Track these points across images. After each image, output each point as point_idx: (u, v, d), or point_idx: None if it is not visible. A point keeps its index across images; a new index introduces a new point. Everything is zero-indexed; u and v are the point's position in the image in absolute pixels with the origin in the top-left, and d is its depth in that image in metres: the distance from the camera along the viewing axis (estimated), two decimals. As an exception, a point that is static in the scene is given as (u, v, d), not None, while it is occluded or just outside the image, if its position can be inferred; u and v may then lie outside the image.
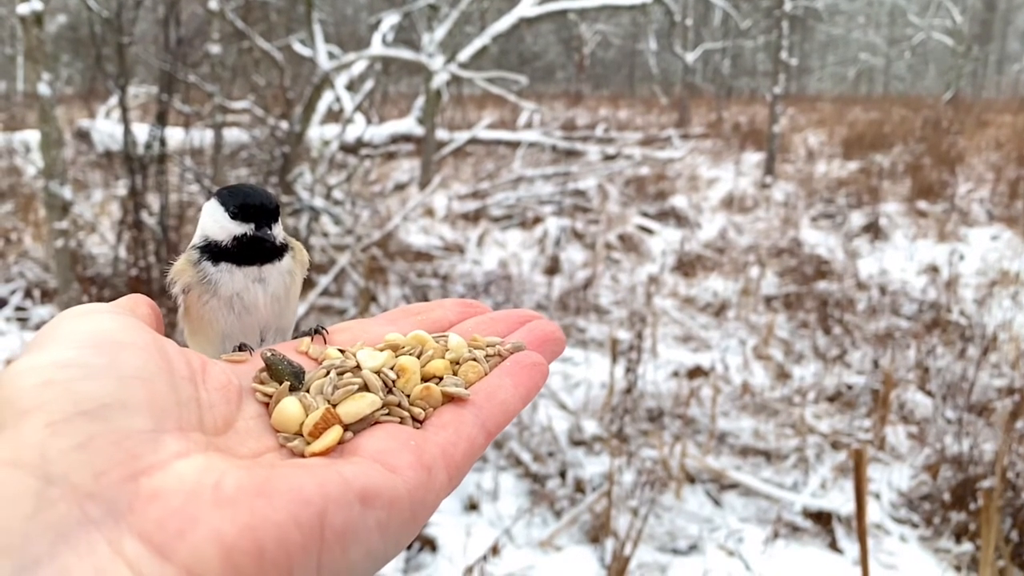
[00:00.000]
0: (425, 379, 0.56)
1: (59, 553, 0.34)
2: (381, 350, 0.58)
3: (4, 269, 5.99)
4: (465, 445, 0.50)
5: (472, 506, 3.36)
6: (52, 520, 0.35)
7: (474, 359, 0.58)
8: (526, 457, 3.69)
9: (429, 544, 3.07)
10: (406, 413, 0.52)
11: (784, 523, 3.36)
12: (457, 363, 0.58)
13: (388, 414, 0.52)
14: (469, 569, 2.81)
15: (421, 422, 0.52)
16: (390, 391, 0.53)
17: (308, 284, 5.84)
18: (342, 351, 0.58)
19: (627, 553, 2.79)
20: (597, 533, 3.20)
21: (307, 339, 0.60)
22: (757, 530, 3.33)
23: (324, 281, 5.39)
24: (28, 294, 5.61)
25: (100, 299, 5.01)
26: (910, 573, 3.05)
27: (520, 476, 3.63)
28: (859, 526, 1.69)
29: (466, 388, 0.55)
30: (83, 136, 10.96)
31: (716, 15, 28.21)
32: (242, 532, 0.38)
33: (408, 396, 0.54)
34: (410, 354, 0.58)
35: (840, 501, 3.47)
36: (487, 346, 0.60)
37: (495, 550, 3.03)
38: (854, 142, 14.59)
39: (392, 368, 0.55)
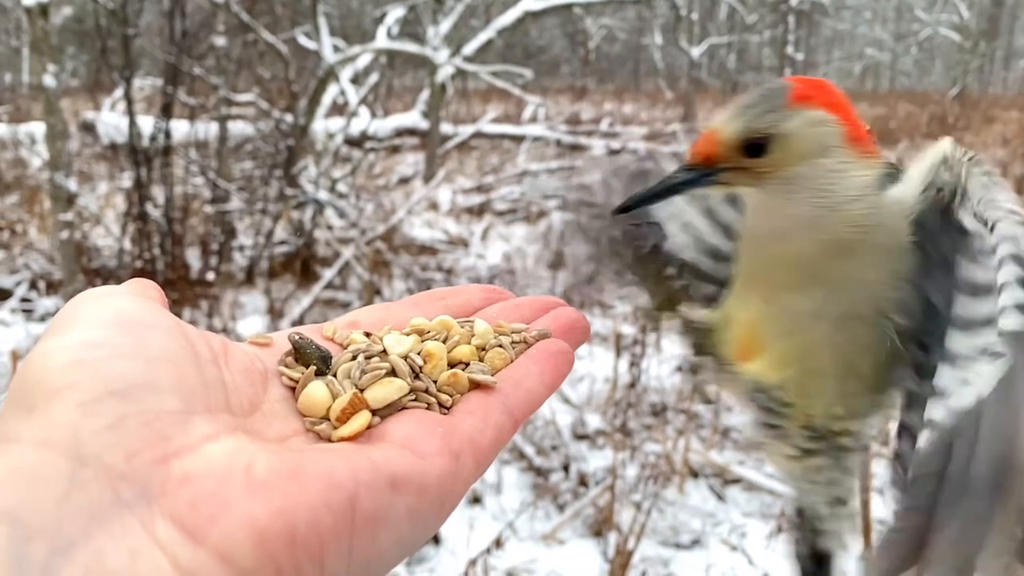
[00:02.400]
0: (451, 365, 0.55)
1: (93, 535, 0.34)
2: (407, 335, 0.57)
3: (9, 261, 6.00)
4: (492, 432, 0.49)
5: (475, 499, 3.36)
6: (85, 501, 0.34)
7: (500, 346, 0.57)
8: (529, 451, 3.70)
9: (432, 537, 3.08)
10: (433, 399, 0.51)
11: (788, 518, 3.35)
12: (483, 349, 0.57)
13: (415, 400, 0.51)
14: (472, 562, 2.82)
15: (448, 408, 0.51)
16: (417, 376, 0.52)
17: (312, 277, 5.84)
18: (368, 335, 0.57)
19: (630, 547, 2.79)
20: (600, 527, 3.20)
21: (332, 323, 0.59)
22: (760, 525, 3.33)
23: (328, 274, 5.39)
24: (33, 285, 5.62)
25: (105, 291, 5.01)
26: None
27: (523, 470, 3.63)
28: (863, 521, 1.69)
29: (492, 375, 0.54)
30: (88, 128, 10.96)
31: (722, 9, 28.14)
32: (274, 516, 0.37)
33: (435, 382, 0.53)
34: (436, 339, 0.57)
35: (843, 497, 3.46)
36: (512, 332, 0.59)
37: (498, 543, 3.04)
38: (860, 137, 14.51)
39: (419, 353, 0.54)
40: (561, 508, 3.36)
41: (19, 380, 0.39)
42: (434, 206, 8.74)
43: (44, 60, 4.14)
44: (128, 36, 5.01)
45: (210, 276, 5.22)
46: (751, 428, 0.73)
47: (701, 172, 0.61)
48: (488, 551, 2.96)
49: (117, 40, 5.21)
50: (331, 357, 0.53)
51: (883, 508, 2.80)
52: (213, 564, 0.36)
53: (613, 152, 12.04)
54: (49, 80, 4.16)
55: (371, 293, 5.00)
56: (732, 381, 0.70)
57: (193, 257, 5.69)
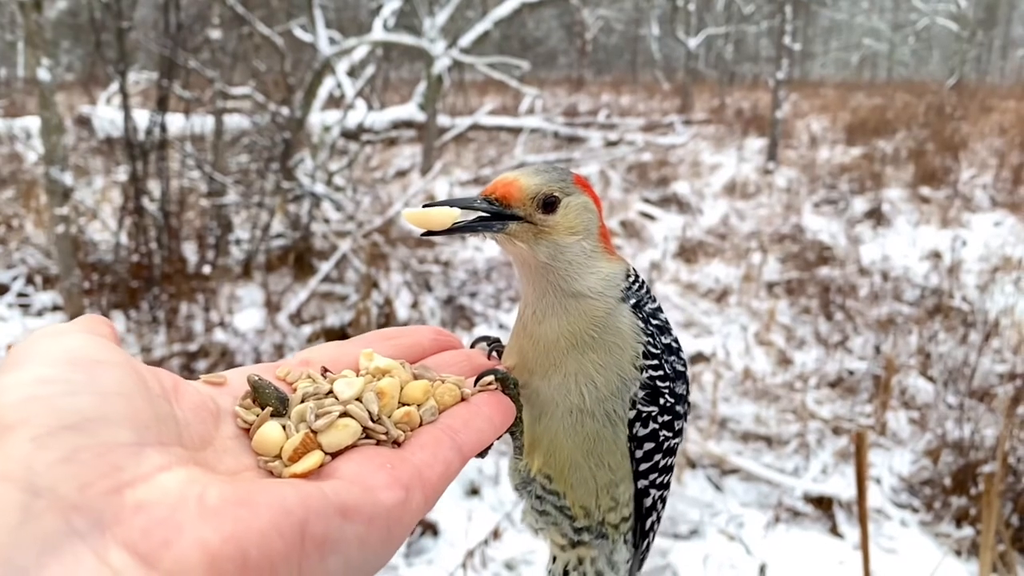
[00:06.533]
0: (404, 403, 0.57)
1: (45, 564, 0.35)
2: (360, 375, 0.59)
3: (6, 255, 5.99)
4: (441, 467, 0.52)
5: (473, 491, 3.37)
6: (38, 532, 0.35)
7: (452, 384, 0.61)
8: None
9: (431, 529, 3.08)
10: (384, 437, 0.53)
11: (785, 508, 3.37)
12: (433, 383, 0.60)
13: (366, 437, 0.53)
14: (470, 553, 2.83)
15: (399, 444, 0.54)
16: (375, 420, 0.54)
17: (309, 270, 5.83)
18: (325, 371, 0.59)
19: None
20: (598, 518, 3.20)
21: (285, 363, 0.61)
22: (758, 515, 3.34)
23: (325, 267, 5.38)
24: (30, 280, 5.62)
25: (102, 285, 5.01)
26: (910, 557, 3.07)
27: (522, 461, 3.64)
28: (860, 511, 1.69)
29: (442, 411, 0.58)
30: (84, 122, 10.92)
31: (719, 0, 28.05)
32: (226, 540, 0.39)
33: (389, 417, 0.55)
34: (390, 376, 0.59)
35: (841, 486, 3.47)
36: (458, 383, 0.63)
37: (496, 534, 3.04)
38: (857, 128, 14.53)
39: (374, 392, 0.56)
40: (559, 499, 3.37)
41: None
42: (431, 198, 8.72)
43: (38, 54, 4.12)
44: (122, 29, 4.99)
45: (207, 269, 5.21)
46: (528, 514, 0.76)
47: (497, 209, 0.68)
48: (486, 542, 2.97)
49: (112, 34, 5.19)
50: (288, 399, 0.55)
51: (880, 496, 2.79)
52: None
53: (610, 143, 12.03)
54: (43, 74, 4.15)
55: (368, 286, 4.99)
56: (514, 471, 0.75)
57: (190, 251, 5.68)
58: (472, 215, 0.68)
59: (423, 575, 2.87)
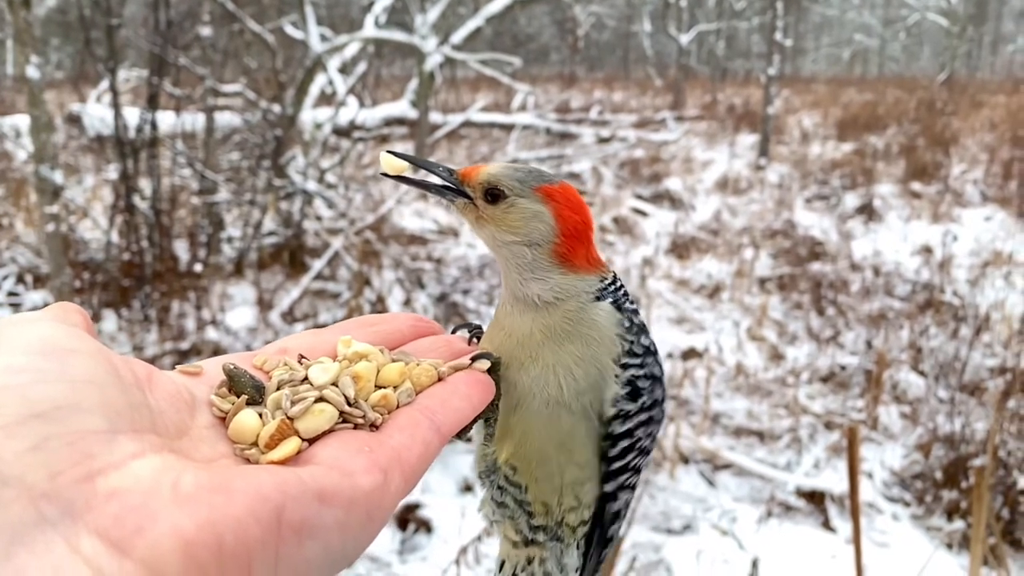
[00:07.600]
0: (381, 386, 0.57)
1: (14, 553, 0.34)
2: (338, 361, 0.59)
3: (-4, 254, 5.95)
4: (420, 448, 0.52)
5: (467, 488, 3.37)
6: (7, 521, 0.35)
7: (428, 365, 0.61)
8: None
9: (424, 525, 3.08)
10: (361, 420, 0.53)
11: (777, 503, 3.38)
12: (408, 365, 0.60)
13: (343, 421, 0.53)
14: (463, 550, 2.83)
15: (377, 427, 0.53)
16: (352, 404, 0.54)
17: (302, 268, 5.82)
18: (303, 358, 0.59)
19: (621, 533, 2.80)
20: (592, 514, 3.21)
21: (263, 352, 0.61)
22: (751, 510, 3.35)
23: (318, 265, 5.37)
24: (20, 279, 5.59)
25: (93, 284, 4.99)
26: (902, 551, 3.08)
27: (515, 458, 3.64)
28: (852, 505, 1.70)
29: (419, 392, 0.58)
30: (74, 120, 10.87)
31: (710, -4, 28.07)
32: (201, 527, 0.38)
33: (365, 400, 0.55)
34: (367, 360, 0.59)
35: (833, 480, 3.49)
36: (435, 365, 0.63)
37: (489, 531, 3.05)
38: (848, 123, 14.57)
39: (349, 376, 0.56)
40: (553, 495, 3.37)
41: None
42: (424, 196, 8.71)
43: (27, 51, 4.09)
44: (112, 27, 4.96)
45: (198, 267, 5.20)
46: (486, 504, 0.77)
47: (454, 183, 0.74)
48: (479, 538, 2.97)
49: (101, 31, 5.16)
50: (264, 387, 0.55)
51: (872, 490, 2.80)
52: (140, 575, 0.37)
53: (603, 140, 12.03)
54: (32, 72, 4.12)
55: (361, 283, 4.99)
56: (481, 457, 0.76)
57: (181, 249, 5.66)
58: (435, 181, 0.74)
59: (417, 572, 2.88)
